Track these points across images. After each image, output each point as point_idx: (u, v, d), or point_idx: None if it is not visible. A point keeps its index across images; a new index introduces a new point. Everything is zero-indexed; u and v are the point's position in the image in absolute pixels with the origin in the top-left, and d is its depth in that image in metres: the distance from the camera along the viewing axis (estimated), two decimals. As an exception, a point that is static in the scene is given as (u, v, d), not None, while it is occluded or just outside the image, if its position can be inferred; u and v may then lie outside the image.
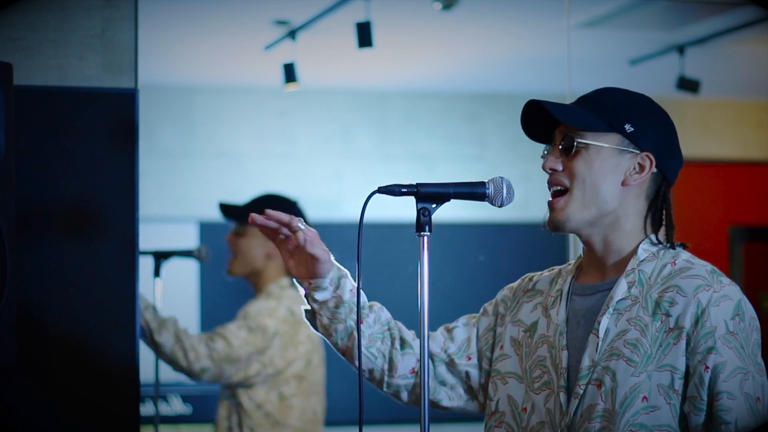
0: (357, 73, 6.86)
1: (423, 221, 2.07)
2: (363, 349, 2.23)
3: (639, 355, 2.02)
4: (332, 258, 2.23)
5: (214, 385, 3.94)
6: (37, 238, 3.07)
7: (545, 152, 2.17)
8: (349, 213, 7.06)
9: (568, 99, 2.24)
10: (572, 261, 2.25)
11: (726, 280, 2.06)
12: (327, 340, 2.29)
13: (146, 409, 5.19)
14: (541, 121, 2.16)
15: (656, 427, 2.00)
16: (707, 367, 1.99)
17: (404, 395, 2.28)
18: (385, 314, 2.28)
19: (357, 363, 2.20)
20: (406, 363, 2.26)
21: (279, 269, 3.93)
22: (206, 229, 6.88)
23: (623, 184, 2.11)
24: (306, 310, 2.28)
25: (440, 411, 2.31)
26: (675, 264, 2.09)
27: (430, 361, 2.25)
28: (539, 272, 2.30)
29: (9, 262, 2.50)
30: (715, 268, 2.09)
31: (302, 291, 2.26)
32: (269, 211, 2.22)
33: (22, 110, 2.89)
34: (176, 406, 6.84)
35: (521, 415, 2.15)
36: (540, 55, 6.22)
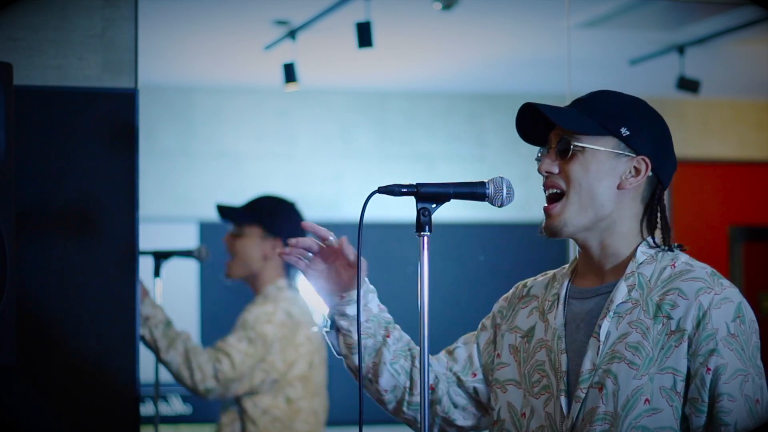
0: (357, 73, 6.86)
1: (423, 221, 2.07)
2: (388, 364, 2.24)
3: (641, 358, 2.02)
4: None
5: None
6: (37, 238, 3.07)
7: (539, 155, 2.17)
8: (349, 213, 7.06)
9: (568, 99, 2.24)
10: (566, 265, 2.24)
11: (726, 282, 2.06)
12: (347, 363, 2.28)
13: (146, 409, 5.19)
14: (537, 123, 2.16)
15: (658, 429, 2.00)
16: (708, 369, 1.99)
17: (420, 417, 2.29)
18: (405, 334, 2.31)
19: (381, 380, 2.23)
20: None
21: (277, 271, 3.93)
22: (206, 229, 6.89)
23: (619, 187, 2.11)
24: (327, 332, 2.29)
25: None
26: (674, 267, 2.09)
27: (444, 382, 2.27)
28: (532, 278, 2.30)
29: (9, 262, 2.50)
30: (714, 270, 2.09)
31: (328, 311, 2.27)
32: (306, 223, 2.24)
33: (22, 110, 2.89)
34: (176, 406, 6.84)
35: (520, 421, 2.15)
36: (540, 55, 6.22)
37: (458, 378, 2.28)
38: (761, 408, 2.00)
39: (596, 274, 2.15)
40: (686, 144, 7.53)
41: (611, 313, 2.07)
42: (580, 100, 2.17)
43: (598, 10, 5.42)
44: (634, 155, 2.10)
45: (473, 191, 2.12)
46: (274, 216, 3.95)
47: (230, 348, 3.70)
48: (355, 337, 2.24)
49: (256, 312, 3.82)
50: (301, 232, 4.00)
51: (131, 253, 3.13)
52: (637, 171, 2.11)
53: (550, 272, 2.27)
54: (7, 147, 2.51)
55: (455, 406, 2.28)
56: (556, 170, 2.12)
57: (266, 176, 7.17)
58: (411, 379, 2.26)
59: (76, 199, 3.12)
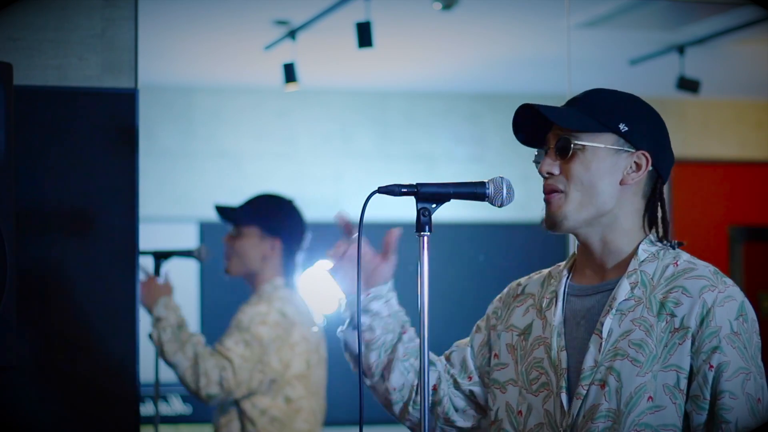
0: (357, 73, 6.86)
1: (423, 221, 2.07)
2: (400, 361, 2.25)
3: (644, 355, 2.02)
4: None
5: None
6: (37, 238, 3.07)
7: (537, 157, 2.17)
8: (349, 213, 7.05)
9: (568, 99, 2.24)
10: (561, 262, 2.24)
11: (729, 281, 2.07)
12: (360, 363, 2.27)
13: (146, 409, 5.19)
14: (533, 124, 2.16)
15: (661, 426, 2.00)
16: (711, 366, 2.00)
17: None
18: (416, 336, 2.32)
19: (392, 377, 2.25)
20: (430, 380, 2.28)
21: (275, 269, 3.93)
22: (206, 229, 6.88)
23: (621, 183, 2.11)
24: (343, 331, 2.29)
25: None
26: (677, 265, 2.09)
27: (445, 383, 2.28)
28: (525, 277, 2.30)
29: (9, 262, 2.50)
30: (717, 268, 2.09)
31: (346, 308, 2.28)
32: (340, 216, 2.27)
33: (22, 110, 2.89)
34: (176, 406, 6.84)
35: (517, 419, 2.15)
36: (540, 55, 6.22)
37: (455, 381, 2.28)
38: (762, 407, 2.01)
39: (596, 271, 2.15)
40: (686, 144, 7.53)
41: (614, 311, 2.07)
42: (576, 99, 2.17)
43: (598, 10, 5.42)
44: (633, 150, 2.10)
45: (473, 191, 2.12)
46: (272, 216, 3.95)
47: (231, 354, 3.70)
48: (378, 333, 2.25)
49: (250, 313, 3.81)
50: (299, 231, 4.02)
51: (131, 253, 3.13)
52: (638, 166, 2.11)
53: (545, 270, 2.27)
54: (7, 147, 2.51)
55: (455, 407, 2.28)
56: (557, 171, 2.11)
57: (266, 176, 7.17)
58: (419, 379, 2.27)
59: (76, 199, 3.12)
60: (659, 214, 2.15)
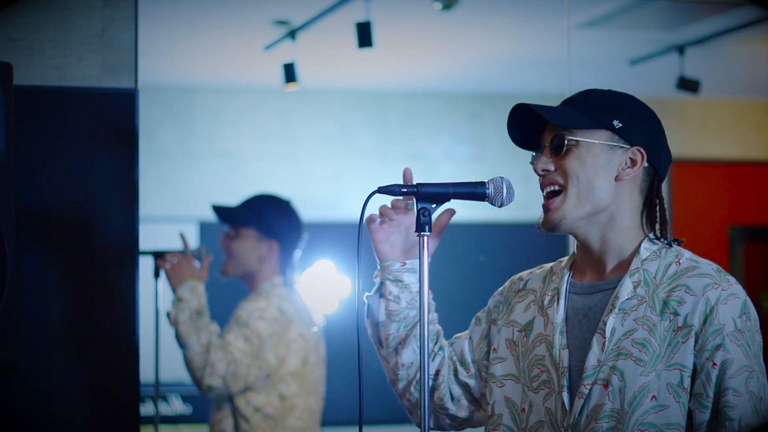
0: (357, 73, 6.86)
1: (423, 221, 2.07)
2: (415, 339, 2.27)
3: (648, 355, 2.02)
4: None
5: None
6: (37, 238, 3.07)
7: (533, 158, 2.17)
8: (349, 213, 7.06)
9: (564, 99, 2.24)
10: (563, 258, 2.24)
11: (732, 279, 2.07)
12: (377, 331, 2.30)
13: (146, 409, 5.19)
14: (528, 126, 2.16)
15: (665, 425, 2.00)
16: (715, 364, 1.99)
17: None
18: (438, 325, 2.34)
19: (405, 353, 2.26)
20: (434, 364, 2.30)
21: (272, 270, 3.93)
22: (206, 229, 6.88)
23: (616, 179, 2.11)
24: (369, 296, 2.31)
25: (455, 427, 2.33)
26: (680, 263, 2.09)
27: (446, 368, 2.30)
28: (527, 271, 2.30)
29: (9, 261, 2.50)
30: (719, 266, 2.09)
31: (379, 275, 2.28)
32: (388, 207, 2.25)
33: (22, 110, 2.89)
34: (176, 406, 6.84)
35: (520, 416, 2.15)
36: (540, 55, 6.22)
37: (455, 369, 2.29)
38: (765, 406, 2.01)
39: (596, 270, 2.15)
40: (686, 144, 7.53)
41: (616, 310, 2.07)
42: (571, 99, 2.18)
43: (598, 10, 5.42)
44: (628, 146, 2.11)
45: (473, 191, 2.12)
46: (270, 217, 3.94)
47: (233, 348, 3.70)
48: (403, 305, 2.27)
49: (249, 308, 3.82)
50: (297, 232, 4.02)
51: (131, 253, 3.13)
52: (633, 162, 2.11)
53: (547, 265, 2.27)
54: (7, 147, 2.51)
55: (451, 395, 2.29)
56: (552, 167, 2.12)
57: (266, 176, 7.17)
58: (427, 361, 2.29)
59: (76, 199, 3.12)
60: (658, 212, 2.15)
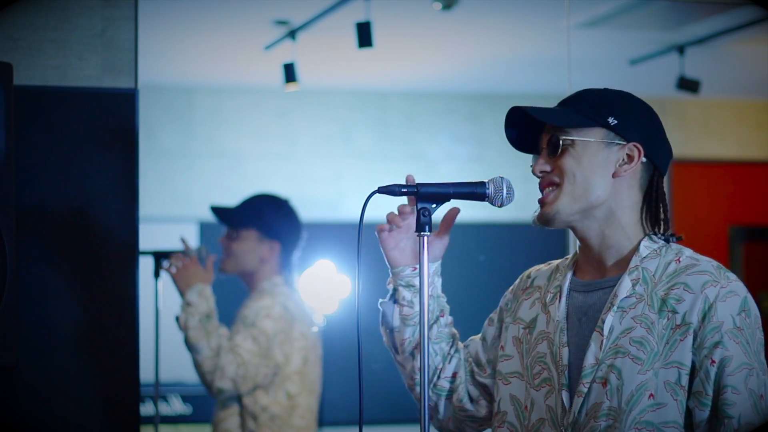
0: (357, 73, 6.86)
1: (423, 221, 2.07)
2: (431, 342, 2.28)
3: (645, 353, 2.02)
4: None
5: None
6: (37, 238, 3.07)
7: (534, 162, 2.18)
8: (349, 213, 7.05)
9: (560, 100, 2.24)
10: (570, 255, 2.25)
11: (732, 276, 2.06)
12: (392, 337, 2.31)
13: (146, 409, 5.19)
14: (527, 129, 2.17)
15: (663, 424, 2.00)
16: (713, 362, 1.99)
17: (441, 405, 2.31)
18: (453, 327, 2.36)
19: (421, 355, 2.25)
20: (451, 367, 2.32)
21: (273, 270, 3.92)
22: (206, 229, 6.88)
23: (614, 176, 2.11)
24: (383, 302, 2.33)
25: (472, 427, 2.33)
26: (679, 261, 2.08)
27: (463, 371, 2.31)
28: (536, 267, 2.31)
29: (9, 262, 2.50)
30: (720, 264, 2.09)
31: (392, 281, 2.29)
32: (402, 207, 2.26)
33: (22, 110, 2.89)
34: (176, 406, 6.84)
35: (524, 413, 2.15)
36: (540, 55, 6.22)
37: (472, 370, 2.30)
38: (765, 404, 2.00)
39: (597, 268, 2.15)
40: (686, 144, 7.53)
41: (615, 308, 2.07)
42: (567, 99, 2.19)
43: (598, 10, 5.42)
44: (624, 143, 2.11)
45: (473, 191, 2.12)
46: (270, 218, 3.94)
47: (241, 350, 3.70)
48: (417, 309, 2.28)
49: (255, 307, 3.81)
50: (297, 232, 4.02)
51: (131, 253, 3.13)
52: (630, 158, 2.11)
53: (554, 262, 2.28)
54: (7, 147, 2.51)
55: (470, 396, 2.30)
56: (549, 168, 2.13)
57: (266, 176, 7.16)
58: (444, 364, 2.31)
59: (76, 199, 3.11)
60: (661, 209, 2.14)
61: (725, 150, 7.81)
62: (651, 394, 2.01)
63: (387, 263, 2.30)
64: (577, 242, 2.19)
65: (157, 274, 3.87)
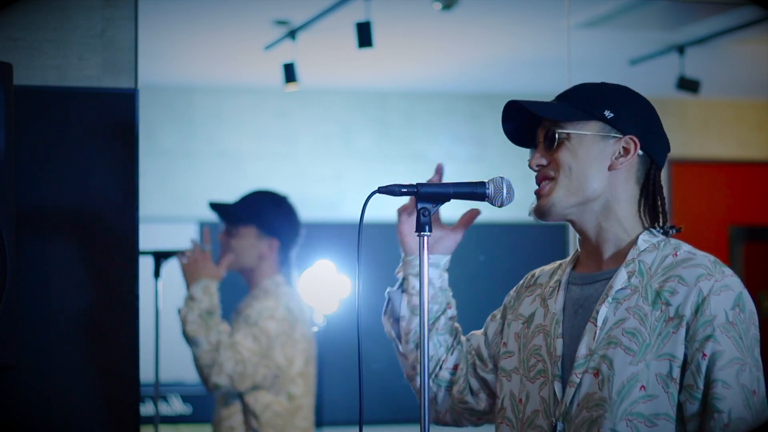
0: (357, 73, 6.86)
1: (423, 221, 2.07)
2: (436, 333, 2.32)
3: (637, 344, 2.02)
4: None
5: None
6: (37, 238, 3.07)
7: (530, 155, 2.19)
8: (349, 213, 7.06)
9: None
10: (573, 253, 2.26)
11: (728, 271, 2.06)
12: (398, 326, 2.34)
13: (146, 409, 5.19)
14: (524, 124, 2.17)
15: (654, 415, 1.99)
16: (704, 355, 1.98)
17: (441, 396, 2.33)
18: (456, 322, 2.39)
19: (420, 351, 2.26)
20: (453, 358, 2.34)
21: (272, 267, 3.92)
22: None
23: (610, 168, 2.12)
24: (391, 291, 2.35)
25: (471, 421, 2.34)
26: (677, 255, 2.08)
27: (464, 363, 2.33)
28: (541, 268, 2.32)
29: (9, 262, 2.49)
30: (717, 259, 2.08)
31: (402, 270, 2.32)
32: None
33: (22, 110, 2.89)
34: (176, 406, 6.83)
35: (518, 407, 2.16)
36: (540, 55, 6.22)
37: (474, 364, 2.31)
38: (758, 400, 1.99)
39: (595, 261, 2.15)
40: (686, 144, 7.53)
41: (609, 299, 2.07)
42: (563, 94, 2.19)
43: (598, 10, 5.42)
44: (620, 136, 2.12)
45: (473, 191, 2.13)
46: (269, 215, 3.94)
47: (241, 348, 3.70)
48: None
49: (258, 307, 3.81)
50: (295, 229, 4.02)
51: (131, 253, 3.13)
52: (626, 150, 2.12)
53: (559, 262, 2.28)
54: (7, 147, 2.51)
55: (471, 389, 2.30)
56: (545, 162, 2.13)
57: (266, 176, 7.16)
58: (447, 355, 2.33)
59: (76, 199, 3.11)
60: (658, 202, 2.15)
61: (725, 150, 7.81)
62: (642, 386, 2.00)
63: (400, 250, 2.31)
64: (578, 238, 2.19)
65: (157, 274, 3.87)
